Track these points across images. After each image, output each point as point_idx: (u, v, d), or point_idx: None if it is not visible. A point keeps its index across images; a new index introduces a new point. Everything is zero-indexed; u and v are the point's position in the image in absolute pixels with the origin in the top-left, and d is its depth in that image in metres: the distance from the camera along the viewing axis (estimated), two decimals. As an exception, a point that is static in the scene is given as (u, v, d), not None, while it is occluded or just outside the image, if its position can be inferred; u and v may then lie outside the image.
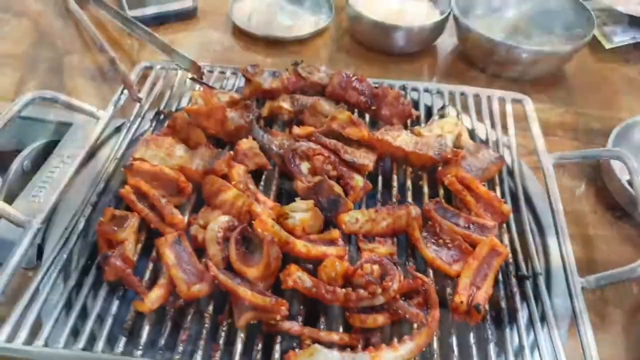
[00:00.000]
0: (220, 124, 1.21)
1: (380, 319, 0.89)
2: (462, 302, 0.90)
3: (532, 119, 1.41)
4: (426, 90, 1.38)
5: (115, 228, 0.99)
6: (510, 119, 1.40)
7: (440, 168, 1.16)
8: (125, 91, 1.29)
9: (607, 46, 1.66)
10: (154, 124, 1.31)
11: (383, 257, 0.95)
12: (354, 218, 1.03)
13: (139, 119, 1.31)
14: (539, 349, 0.89)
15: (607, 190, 1.27)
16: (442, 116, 1.42)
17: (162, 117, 1.32)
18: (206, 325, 0.89)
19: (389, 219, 1.03)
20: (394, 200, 1.11)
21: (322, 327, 0.89)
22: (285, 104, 1.40)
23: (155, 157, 1.14)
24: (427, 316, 0.88)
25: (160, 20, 1.66)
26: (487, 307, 0.92)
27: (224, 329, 0.89)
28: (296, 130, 1.33)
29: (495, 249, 1.05)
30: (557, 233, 1.17)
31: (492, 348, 0.90)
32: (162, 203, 1.03)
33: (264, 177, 1.16)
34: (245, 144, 1.27)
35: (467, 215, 1.07)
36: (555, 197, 1.24)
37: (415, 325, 0.87)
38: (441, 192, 1.12)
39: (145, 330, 0.89)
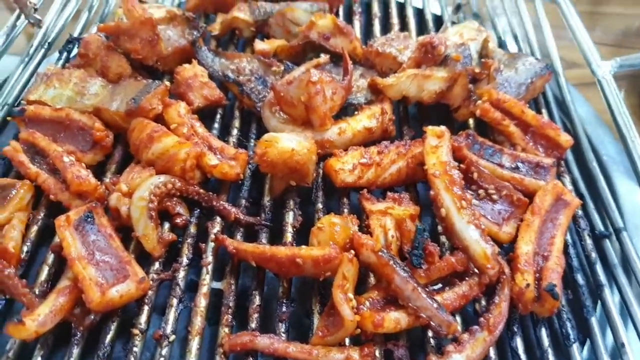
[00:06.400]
0: (150, 46, 0.91)
1: (404, 318, 0.63)
2: (527, 284, 0.57)
3: (571, 18, 1.04)
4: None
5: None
6: (543, 18, 1.04)
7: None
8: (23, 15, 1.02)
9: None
10: (63, 57, 1.03)
11: (403, 223, 0.69)
12: (348, 163, 0.76)
13: (42, 50, 1.03)
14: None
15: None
16: (453, 23, 1.13)
17: (75, 45, 1.04)
18: (135, 349, 0.64)
19: (400, 161, 0.76)
20: (406, 138, 0.87)
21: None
22: (242, 14, 1.02)
23: (60, 98, 0.89)
24: (487, 315, 0.64)
25: None
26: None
27: (164, 351, 0.63)
28: (260, 45, 0.95)
29: (561, 197, 0.72)
30: (635, 167, 0.83)
31: (575, 351, 0.65)
32: (65, 163, 0.78)
33: (218, 116, 0.92)
34: (188, 70, 0.90)
35: (513, 152, 0.82)
36: (622, 112, 0.88)
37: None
38: (470, 122, 0.91)
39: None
